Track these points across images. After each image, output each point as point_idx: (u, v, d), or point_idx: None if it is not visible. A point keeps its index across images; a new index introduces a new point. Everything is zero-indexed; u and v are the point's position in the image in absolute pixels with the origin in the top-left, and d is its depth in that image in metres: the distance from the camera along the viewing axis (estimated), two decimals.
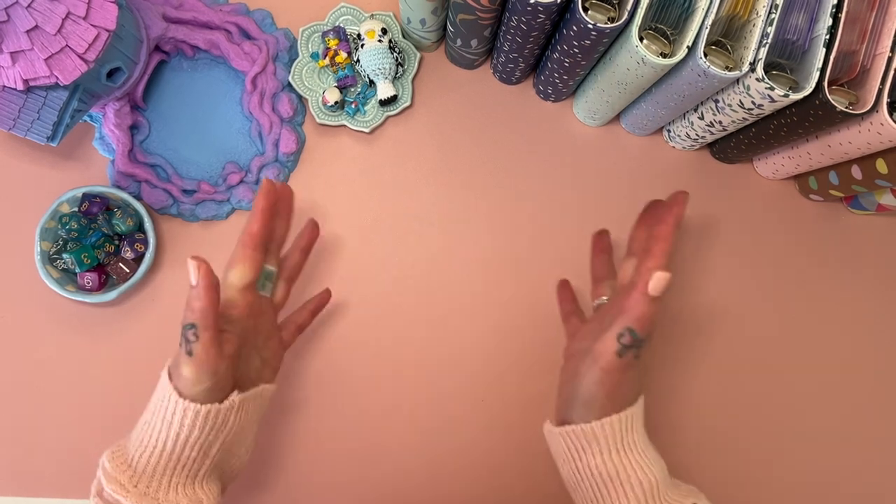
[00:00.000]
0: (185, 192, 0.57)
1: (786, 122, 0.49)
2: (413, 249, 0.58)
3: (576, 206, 0.59)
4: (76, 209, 0.55)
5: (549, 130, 0.60)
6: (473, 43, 0.55)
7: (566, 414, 0.43)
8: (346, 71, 0.57)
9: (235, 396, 0.40)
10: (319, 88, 0.58)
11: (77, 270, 0.53)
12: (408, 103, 0.58)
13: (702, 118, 0.54)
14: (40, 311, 0.56)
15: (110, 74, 0.50)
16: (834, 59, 0.44)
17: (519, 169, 0.60)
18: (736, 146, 0.57)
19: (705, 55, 0.44)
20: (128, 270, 0.54)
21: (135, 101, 0.56)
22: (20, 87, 0.46)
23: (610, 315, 0.42)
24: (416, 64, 0.58)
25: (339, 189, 0.59)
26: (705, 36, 0.44)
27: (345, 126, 0.59)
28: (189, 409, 0.38)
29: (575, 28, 0.45)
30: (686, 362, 0.58)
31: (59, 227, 0.54)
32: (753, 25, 0.45)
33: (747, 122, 0.51)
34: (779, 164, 0.58)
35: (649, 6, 0.44)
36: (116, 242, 0.55)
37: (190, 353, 0.38)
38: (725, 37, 0.47)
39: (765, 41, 0.44)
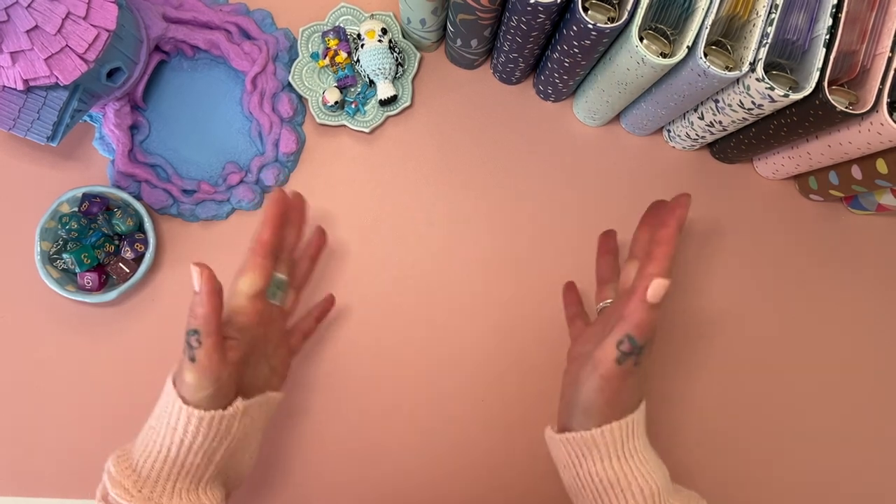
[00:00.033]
0: (185, 192, 0.57)
1: (786, 122, 0.49)
2: (413, 249, 0.58)
3: (576, 207, 0.59)
4: (76, 209, 0.55)
5: (549, 130, 0.60)
6: (473, 43, 0.55)
7: (567, 421, 0.43)
8: (346, 71, 0.57)
9: (239, 403, 0.40)
10: (319, 88, 0.58)
11: (77, 270, 0.53)
12: (408, 103, 0.58)
13: (702, 118, 0.54)
14: (40, 311, 0.56)
15: (110, 74, 0.50)
16: (834, 59, 0.44)
17: (519, 169, 0.60)
18: (736, 146, 0.57)
19: (705, 55, 0.44)
20: (128, 270, 0.54)
21: (135, 101, 0.56)
22: (20, 87, 0.46)
23: (611, 320, 0.42)
24: (416, 64, 0.58)
25: (339, 189, 0.59)
26: (705, 36, 0.44)
27: (345, 126, 0.59)
28: (193, 415, 0.38)
29: (575, 28, 0.45)
30: (686, 363, 0.58)
31: (59, 227, 0.54)
32: (753, 25, 0.45)
33: (747, 122, 0.51)
34: (779, 164, 0.58)
35: (649, 6, 0.44)
36: (116, 242, 0.55)
37: (193, 359, 0.38)
38: (725, 37, 0.47)
39: (765, 41, 0.44)
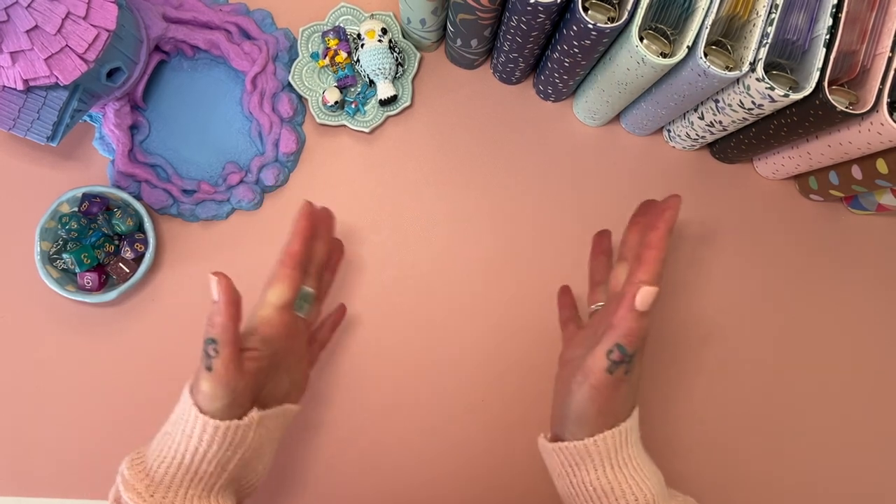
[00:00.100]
0: (185, 192, 0.57)
1: (786, 122, 0.49)
2: (413, 249, 0.58)
3: (576, 206, 0.59)
4: (76, 209, 0.55)
5: (549, 130, 0.60)
6: (473, 43, 0.55)
7: (559, 430, 0.43)
8: (346, 71, 0.57)
9: (255, 413, 0.40)
10: (319, 88, 0.58)
11: (77, 270, 0.53)
12: (408, 103, 0.58)
13: (702, 118, 0.54)
14: (40, 311, 0.56)
15: (110, 74, 0.50)
16: (834, 59, 0.44)
17: (519, 169, 0.60)
18: (736, 146, 0.57)
19: (705, 55, 0.44)
20: (128, 270, 0.54)
21: (135, 101, 0.56)
22: (20, 87, 0.46)
23: (601, 327, 0.42)
24: (416, 64, 0.58)
25: (339, 189, 0.59)
26: (705, 36, 0.44)
27: (345, 126, 0.59)
28: (208, 424, 0.38)
29: (575, 28, 0.45)
30: (685, 365, 0.58)
31: (59, 227, 0.54)
32: (753, 25, 0.45)
33: (747, 122, 0.51)
34: (779, 164, 0.58)
35: (649, 6, 0.44)
36: (116, 242, 0.55)
37: (209, 369, 0.38)
38: (725, 37, 0.47)
39: (765, 41, 0.44)
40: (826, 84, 0.44)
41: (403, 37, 0.58)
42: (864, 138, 0.46)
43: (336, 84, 0.57)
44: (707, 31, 0.44)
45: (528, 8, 0.44)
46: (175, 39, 0.56)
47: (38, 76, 0.46)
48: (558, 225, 0.59)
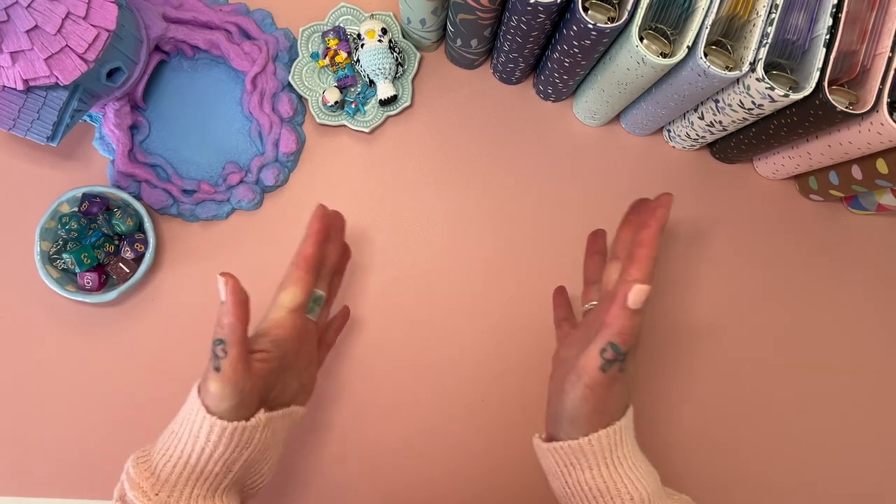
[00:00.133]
0: (185, 192, 0.57)
1: (786, 122, 0.49)
2: (413, 249, 0.58)
3: (576, 206, 0.59)
4: (76, 209, 0.55)
5: (549, 130, 0.60)
6: (473, 43, 0.55)
7: (554, 429, 0.43)
8: (346, 71, 0.57)
9: (262, 415, 0.40)
10: (319, 88, 0.58)
11: (77, 270, 0.53)
12: (408, 103, 0.58)
13: (702, 118, 0.54)
14: (40, 311, 0.56)
15: (110, 74, 0.50)
16: (834, 59, 0.44)
17: (519, 169, 0.60)
18: (736, 146, 0.57)
19: (705, 55, 0.44)
20: (128, 270, 0.54)
21: (135, 101, 0.56)
22: (20, 87, 0.46)
23: (594, 326, 0.42)
24: (416, 64, 0.58)
25: (339, 189, 0.59)
26: (705, 36, 0.44)
27: (345, 126, 0.59)
28: (216, 425, 0.38)
29: (575, 28, 0.45)
30: (685, 364, 0.58)
31: (59, 227, 0.54)
32: (753, 25, 0.45)
33: (747, 122, 0.51)
34: (779, 164, 0.58)
35: (649, 6, 0.44)
36: (116, 242, 0.55)
37: (217, 369, 0.38)
38: (725, 37, 0.47)
39: (765, 41, 0.44)
40: (826, 84, 0.44)
41: (403, 37, 0.58)
42: (864, 138, 0.46)
43: (336, 84, 0.57)
44: (707, 31, 0.44)
45: (528, 8, 0.44)
46: (175, 39, 0.56)
47: (38, 76, 0.46)
48: (558, 225, 0.59)
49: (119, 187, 0.56)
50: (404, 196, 0.59)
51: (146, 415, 0.55)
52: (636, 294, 0.39)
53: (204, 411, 0.38)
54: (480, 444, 0.56)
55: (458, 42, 0.55)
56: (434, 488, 0.56)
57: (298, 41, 0.58)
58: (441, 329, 0.57)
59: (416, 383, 0.57)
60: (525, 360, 0.57)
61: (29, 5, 0.44)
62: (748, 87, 0.45)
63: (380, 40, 0.55)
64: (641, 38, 0.44)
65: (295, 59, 0.58)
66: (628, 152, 0.61)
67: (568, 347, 0.46)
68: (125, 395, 0.56)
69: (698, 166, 0.61)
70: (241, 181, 0.57)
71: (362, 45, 0.56)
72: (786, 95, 0.44)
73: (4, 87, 0.47)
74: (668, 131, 0.60)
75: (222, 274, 0.39)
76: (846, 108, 0.44)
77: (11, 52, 0.45)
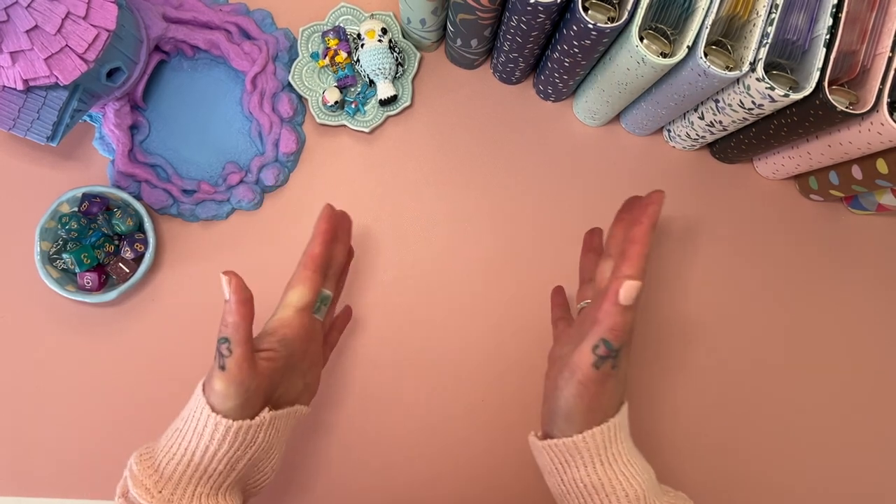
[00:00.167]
0: (185, 192, 0.57)
1: (786, 122, 0.49)
2: (413, 249, 0.58)
3: (576, 206, 0.59)
4: (76, 209, 0.55)
5: (549, 130, 0.60)
6: (473, 43, 0.55)
7: (549, 427, 0.43)
8: (346, 71, 0.57)
9: (266, 413, 0.40)
10: (319, 88, 0.58)
11: (77, 270, 0.53)
12: (408, 103, 0.58)
13: (702, 118, 0.54)
14: (40, 311, 0.56)
15: (110, 74, 0.50)
16: (834, 59, 0.44)
17: (519, 169, 0.60)
18: (736, 146, 0.57)
19: (705, 55, 0.44)
20: (127, 270, 0.54)
21: (135, 101, 0.56)
22: (20, 87, 0.46)
23: (587, 323, 0.42)
24: (416, 64, 0.58)
25: (339, 189, 0.59)
26: (705, 36, 0.44)
27: (345, 126, 0.59)
28: (220, 424, 0.38)
29: (575, 28, 0.45)
30: (684, 363, 0.58)
31: (59, 227, 0.54)
32: (753, 25, 0.45)
33: (747, 122, 0.51)
34: (779, 164, 0.58)
35: (649, 6, 0.44)
36: (116, 242, 0.55)
37: (223, 368, 0.38)
38: (725, 37, 0.47)
39: (765, 41, 0.44)
40: (826, 84, 0.44)
41: (403, 37, 0.58)
42: (864, 138, 0.46)
43: (336, 84, 0.57)
44: (707, 30, 0.44)
45: (528, 8, 0.44)
46: (175, 39, 0.56)
47: (38, 76, 0.46)
48: (558, 225, 0.59)
49: (119, 187, 0.56)
50: (404, 196, 0.59)
51: (146, 415, 0.55)
52: (627, 290, 0.39)
53: (209, 409, 0.38)
54: (480, 444, 0.57)
55: (458, 42, 0.55)
56: (434, 487, 0.56)
57: (298, 41, 0.58)
58: (441, 329, 0.57)
59: (416, 383, 0.57)
60: (525, 360, 0.57)
61: (29, 5, 0.44)
62: (748, 87, 0.45)
63: (380, 40, 0.55)
64: (641, 38, 0.44)
65: (295, 59, 0.58)
66: (628, 152, 0.61)
67: (562, 345, 0.46)
68: (125, 395, 0.56)
69: (698, 166, 0.61)
70: (241, 181, 0.57)
71: (362, 45, 0.56)
72: (786, 95, 0.44)
73: (4, 87, 0.47)
74: (668, 131, 0.60)
75: (225, 272, 0.39)
76: (846, 108, 0.44)
77: (11, 52, 0.45)
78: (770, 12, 0.44)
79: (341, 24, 0.58)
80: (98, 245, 0.54)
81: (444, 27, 0.57)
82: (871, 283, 0.60)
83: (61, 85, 0.47)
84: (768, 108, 0.46)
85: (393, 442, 0.56)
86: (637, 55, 0.45)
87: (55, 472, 0.55)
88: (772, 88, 0.44)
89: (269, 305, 0.44)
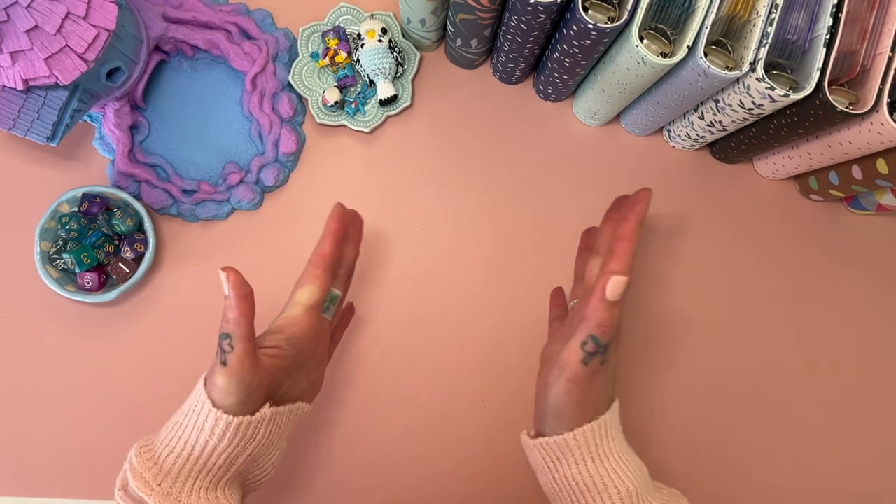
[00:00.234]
0: (185, 192, 0.57)
1: (786, 122, 0.49)
2: (413, 249, 0.58)
3: (576, 206, 0.59)
4: (76, 209, 0.55)
5: (549, 130, 0.60)
6: (473, 43, 0.55)
7: (541, 426, 0.43)
8: (346, 71, 0.57)
9: (267, 410, 0.40)
10: (319, 88, 0.58)
11: (77, 270, 0.53)
12: (408, 103, 0.58)
13: (702, 118, 0.54)
14: (40, 311, 0.56)
15: (110, 74, 0.50)
16: (834, 59, 0.44)
17: (519, 169, 0.60)
18: (736, 146, 0.57)
19: (705, 55, 0.44)
20: (127, 270, 0.54)
21: (135, 101, 0.56)
22: (20, 86, 0.46)
23: (575, 320, 0.42)
24: (416, 64, 0.58)
25: (339, 189, 0.59)
26: (705, 36, 0.44)
27: (345, 126, 0.59)
28: (221, 419, 0.38)
29: (575, 28, 0.45)
30: (683, 362, 0.58)
31: (59, 227, 0.54)
32: (753, 25, 0.45)
33: (747, 122, 0.51)
34: (779, 164, 0.58)
35: (649, 6, 0.44)
36: (116, 242, 0.55)
37: (224, 364, 0.38)
38: (725, 37, 0.47)
39: (765, 41, 0.44)
40: (826, 84, 0.44)
41: (403, 37, 0.58)
42: (864, 138, 0.46)
43: (336, 84, 0.57)
44: (707, 30, 0.44)
45: (528, 8, 0.44)
46: (175, 39, 0.56)
47: (38, 76, 0.46)
48: (558, 225, 0.59)
49: (119, 187, 0.56)
50: (404, 196, 0.59)
51: (146, 415, 0.55)
52: (614, 286, 0.39)
53: (210, 404, 0.38)
54: (480, 443, 0.57)
55: (458, 42, 0.55)
56: (434, 487, 0.56)
57: (298, 41, 0.58)
58: (441, 329, 0.57)
59: (416, 382, 0.57)
60: (525, 360, 0.57)
61: (29, 5, 0.44)
62: (748, 87, 0.45)
63: (380, 40, 0.55)
64: (641, 38, 0.44)
65: (295, 59, 0.58)
66: (628, 152, 0.61)
67: (553, 344, 0.46)
68: (125, 395, 0.56)
69: (698, 166, 0.61)
70: (241, 181, 0.57)
71: (362, 45, 0.56)
72: (786, 95, 0.44)
73: (4, 87, 0.47)
74: (668, 131, 0.60)
75: (223, 268, 0.39)
76: (846, 108, 0.44)
77: (11, 52, 0.45)
78: (770, 12, 0.44)
79: (341, 24, 0.58)
80: (98, 245, 0.54)
81: (444, 27, 0.57)
82: (870, 283, 0.60)
83: (61, 85, 0.47)
84: (768, 108, 0.46)
85: (393, 440, 0.56)
86: (637, 55, 0.45)
87: (55, 472, 0.55)
88: (772, 88, 0.44)
89: (268, 306, 0.44)
